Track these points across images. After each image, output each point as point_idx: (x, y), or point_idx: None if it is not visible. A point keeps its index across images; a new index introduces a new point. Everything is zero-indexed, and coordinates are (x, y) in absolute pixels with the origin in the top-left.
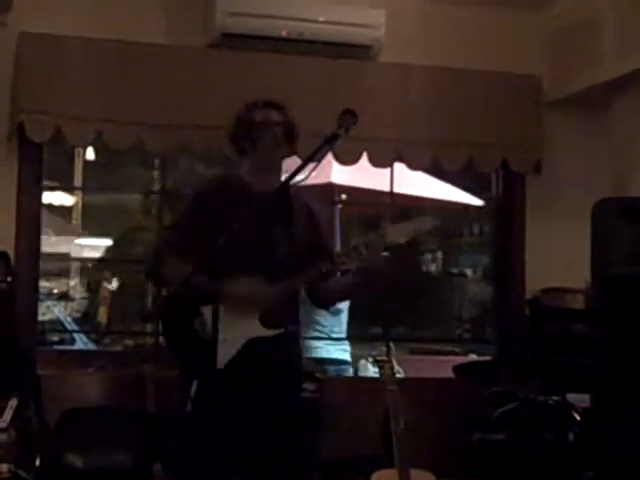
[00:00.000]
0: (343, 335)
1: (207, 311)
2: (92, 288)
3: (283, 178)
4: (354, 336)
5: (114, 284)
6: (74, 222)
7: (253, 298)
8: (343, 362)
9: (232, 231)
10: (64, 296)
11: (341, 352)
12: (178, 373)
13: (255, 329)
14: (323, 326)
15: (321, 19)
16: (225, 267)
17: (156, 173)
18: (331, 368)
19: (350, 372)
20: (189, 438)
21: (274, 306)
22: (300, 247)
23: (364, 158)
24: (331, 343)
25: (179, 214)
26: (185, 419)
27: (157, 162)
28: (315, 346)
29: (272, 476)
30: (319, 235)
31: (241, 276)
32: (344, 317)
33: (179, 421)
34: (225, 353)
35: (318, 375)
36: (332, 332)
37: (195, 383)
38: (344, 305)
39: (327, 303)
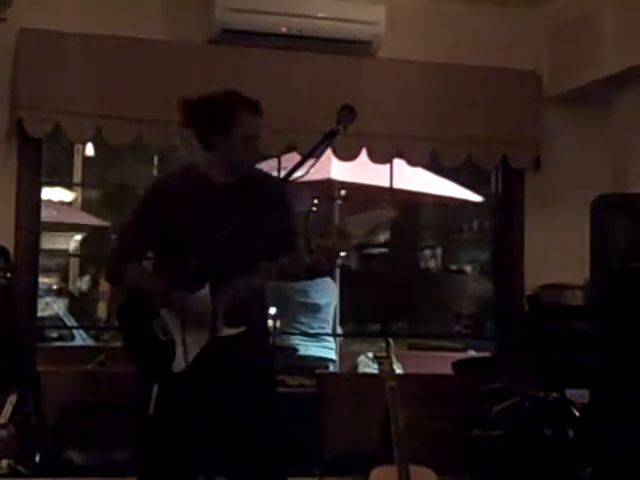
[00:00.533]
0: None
1: (166, 313)
2: (91, 284)
3: (282, 174)
4: (353, 332)
5: (81, 284)
6: None
7: (203, 312)
8: (327, 360)
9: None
10: (63, 292)
11: (324, 350)
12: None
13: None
14: (301, 323)
15: (320, 15)
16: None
17: (155, 169)
18: (314, 366)
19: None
20: (152, 441)
21: (233, 305)
22: (262, 240)
23: (363, 154)
24: (308, 340)
25: (134, 213)
26: (148, 422)
27: (156, 158)
28: (296, 344)
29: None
30: (286, 228)
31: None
32: (327, 314)
33: (143, 424)
34: (188, 353)
35: (317, 371)
36: (311, 329)
37: (156, 385)
38: (324, 301)
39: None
